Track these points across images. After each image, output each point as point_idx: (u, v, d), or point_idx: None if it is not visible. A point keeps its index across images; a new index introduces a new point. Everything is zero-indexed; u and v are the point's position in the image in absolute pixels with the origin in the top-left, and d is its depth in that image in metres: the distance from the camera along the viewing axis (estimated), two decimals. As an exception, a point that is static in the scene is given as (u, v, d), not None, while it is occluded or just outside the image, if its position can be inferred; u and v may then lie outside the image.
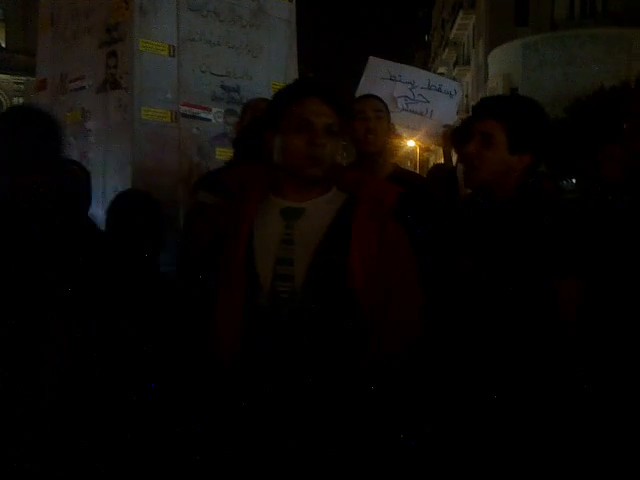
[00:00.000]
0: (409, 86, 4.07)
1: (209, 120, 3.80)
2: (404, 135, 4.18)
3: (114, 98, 3.59)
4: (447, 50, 43.37)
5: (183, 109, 3.67)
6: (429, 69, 54.46)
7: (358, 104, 3.09)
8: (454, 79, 42.54)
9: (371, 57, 4.18)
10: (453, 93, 4.14)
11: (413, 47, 63.14)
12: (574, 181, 15.85)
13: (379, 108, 3.08)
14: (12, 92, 34.39)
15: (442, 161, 4.15)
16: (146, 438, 2.17)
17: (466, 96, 38.64)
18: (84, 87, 3.80)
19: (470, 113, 2.61)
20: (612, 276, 2.18)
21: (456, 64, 41.05)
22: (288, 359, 1.81)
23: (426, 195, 2.96)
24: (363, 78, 4.10)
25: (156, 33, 3.52)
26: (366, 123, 3.01)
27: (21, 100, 33.47)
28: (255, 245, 1.88)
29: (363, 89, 4.03)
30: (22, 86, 34.13)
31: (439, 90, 4.11)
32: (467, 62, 38.53)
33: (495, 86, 30.24)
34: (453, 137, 3.45)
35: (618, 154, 3.13)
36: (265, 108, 2.92)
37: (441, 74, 47.35)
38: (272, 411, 1.83)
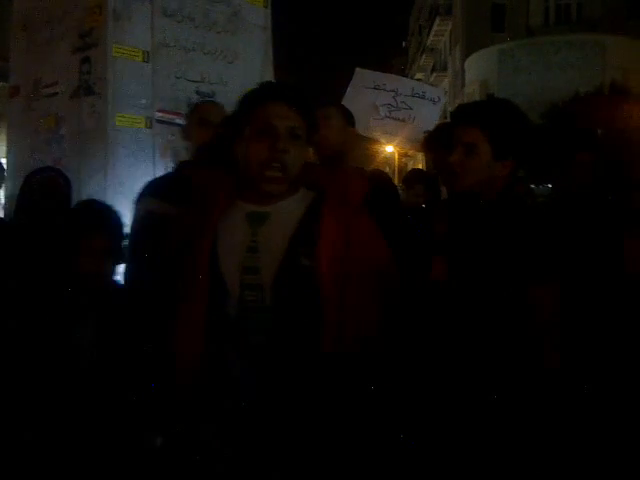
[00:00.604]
0: (392, 94, 4.13)
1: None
2: (383, 141, 4.22)
3: (88, 104, 3.57)
4: (424, 56, 43.62)
5: (158, 115, 3.66)
6: (407, 75, 54.77)
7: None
8: (431, 85, 42.89)
9: (357, 68, 4.25)
10: (437, 100, 4.20)
11: (390, 53, 63.47)
12: (549, 186, 15.95)
13: (327, 114, 3.10)
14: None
15: (420, 166, 4.21)
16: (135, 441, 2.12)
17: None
18: (57, 93, 3.77)
19: (448, 119, 2.62)
20: (590, 281, 2.19)
21: (433, 70, 41.31)
22: (257, 371, 1.76)
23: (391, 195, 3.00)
24: (349, 88, 4.15)
25: (130, 39, 3.51)
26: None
27: (-3, 106, 33.10)
28: (220, 253, 1.81)
29: (348, 98, 4.10)
30: (-3, 92, 33.78)
31: (423, 97, 4.17)
32: (444, 68, 38.79)
33: (472, 92, 30.46)
34: (428, 142, 3.48)
35: (588, 162, 3.16)
36: (213, 111, 2.96)
37: (418, 80, 47.79)
38: (241, 432, 1.77)
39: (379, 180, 3.06)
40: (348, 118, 3.14)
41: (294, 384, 1.75)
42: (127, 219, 2.76)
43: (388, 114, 4.10)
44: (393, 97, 4.11)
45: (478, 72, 29.83)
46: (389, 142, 4.24)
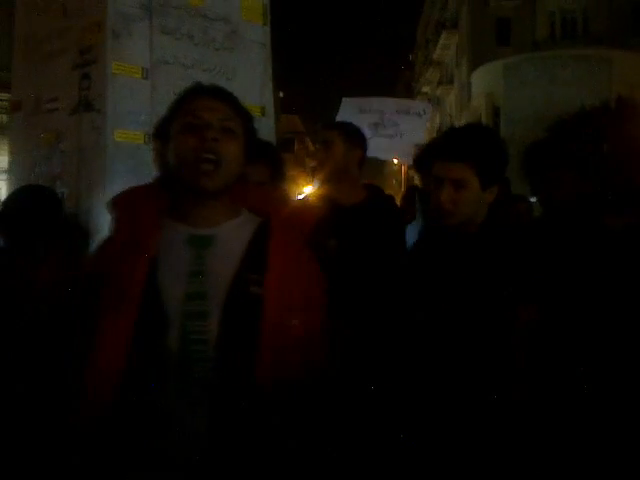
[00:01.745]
0: (378, 114, 4.23)
1: (183, 142, 3.80)
2: (379, 157, 4.31)
3: (87, 120, 3.60)
4: (431, 69, 43.77)
5: (156, 131, 3.69)
6: (413, 88, 54.96)
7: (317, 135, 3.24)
8: (437, 98, 43.03)
9: (344, 98, 4.35)
10: (422, 113, 4.28)
11: (397, 66, 63.81)
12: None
13: (329, 138, 3.18)
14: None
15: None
16: None
17: (450, 115, 39.00)
18: (58, 109, 3.80)
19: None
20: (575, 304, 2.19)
21: (439, 83, 41.45)
22: (200, 407, 1.58)
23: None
24: (337, 117, 4.23)
25: (129, 56, 3.54)
26: (315, 155, 3.15)
27: (5, 117, 33.32)
28: (160, 282, 1.62)
29: None
30: (6, 103, 33.89)
31: (407, 113, 4.26)
32: (450, 81, 38.90)
33: (478, 105, 30.52)
34: (417, 162, 3.52)
35: (570, 181, 3.15)
36: None
37: (425, 93, 47.92)
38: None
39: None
40: (352, 140, 3.20)
41: (241, 420, 1.58)
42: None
43: (377, 133, 4.20)
44: (379, 117, 4.22)
45: (484, 85, 29.90)
46: (386, 158, 4.33)
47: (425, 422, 2.05)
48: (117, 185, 3.55)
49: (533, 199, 4.56)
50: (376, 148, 4.15)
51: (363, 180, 3.88)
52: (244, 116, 1.77)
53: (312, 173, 3.21)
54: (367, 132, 4.16)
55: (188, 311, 1.61)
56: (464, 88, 34.25)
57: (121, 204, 1.79)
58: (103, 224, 3.44)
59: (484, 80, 30.25)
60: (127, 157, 3.57)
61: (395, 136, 4.17)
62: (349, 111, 4.26)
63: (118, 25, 3.47)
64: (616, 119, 2.55)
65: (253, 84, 4.15)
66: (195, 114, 1.68)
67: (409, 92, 55.40)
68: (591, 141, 2.49)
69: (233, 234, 1.72)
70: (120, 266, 1.63)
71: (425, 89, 47.50)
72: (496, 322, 2.05)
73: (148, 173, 3.67)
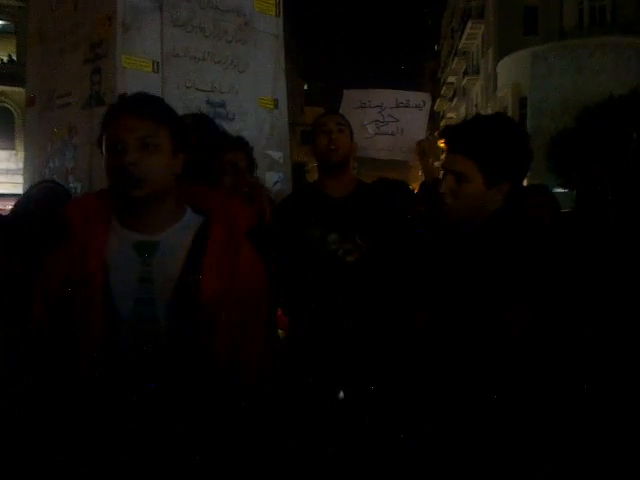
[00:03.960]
0: (378, 109, 4.13)
1: (194, 135, 3.78)
2: (383, 157, 4.20)
3: (99, 114, 3.57)
4: (456, 60, 43.39)
5: (167, 124, 3.66)
6: (438, 79, 54.54)
7: (320, 119, 3.23)
8: (463, 89, 42.60)
9: (345, 90, 4.26)
10: (422, 105, 4.15)
11: (422, 57, 63.42)
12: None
13: (340, 122, 3.21)
14: (23, 103, 34.88)
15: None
16: None
17: (475, 105, 38.64)
18: (70, 103, 3.80)
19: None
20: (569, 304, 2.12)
21: (465, 73, 41.07)
22: (150, 407, 1.70)
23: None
24: (340, 110, 4.16)
25: (139, 49, 3.51)
26: (328, 135, 3.11)
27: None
28: (112, 286, 1.74)
29: None
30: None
31: (407, 106, 4.14)
32: (476, 71, 38.52)
33: (504, 95, 30.22)
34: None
35: (597, 171, 3.09)
36: None
37: (450, 84, 47.45)
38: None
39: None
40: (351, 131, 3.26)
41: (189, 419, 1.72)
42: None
43: (377, 130, 4.10)
44: (379, 112, 4.11)
45: (510, 75, 29.56)
46: (389, 157, 4.19)
47: (424, 420, 2.02)
48: (128, 179, 3.54)
49: (559, 190, 4.48)
50: (379, 148, 4.06)
51: (387, 173, 3.89)
52: (170, 123, 1.83)
53: (327, 155, 3.16)
54: (370, 130, 4.09)
55: (138, 315, 1.72)
56: (490, 78, 33.91)
57: (74, 212, 1.88)
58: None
59: (511, 70, 29.89)
60: (137, 151, 3.55)
61: (396, 133, 4.08)
62: (350, 105, 4.17)
63: (128, 18, 3.44)
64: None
65: (266, 76, 4.10)
66: (115, 135, 1.77)
67: (435, 83, 54.98)
68: (620, 130, 2.42)
69: (176, 238, 1.80)
70: (80, 269, 1.73)
71: (451, 79, 47.13)
72: (490, 319, 1.99)
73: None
